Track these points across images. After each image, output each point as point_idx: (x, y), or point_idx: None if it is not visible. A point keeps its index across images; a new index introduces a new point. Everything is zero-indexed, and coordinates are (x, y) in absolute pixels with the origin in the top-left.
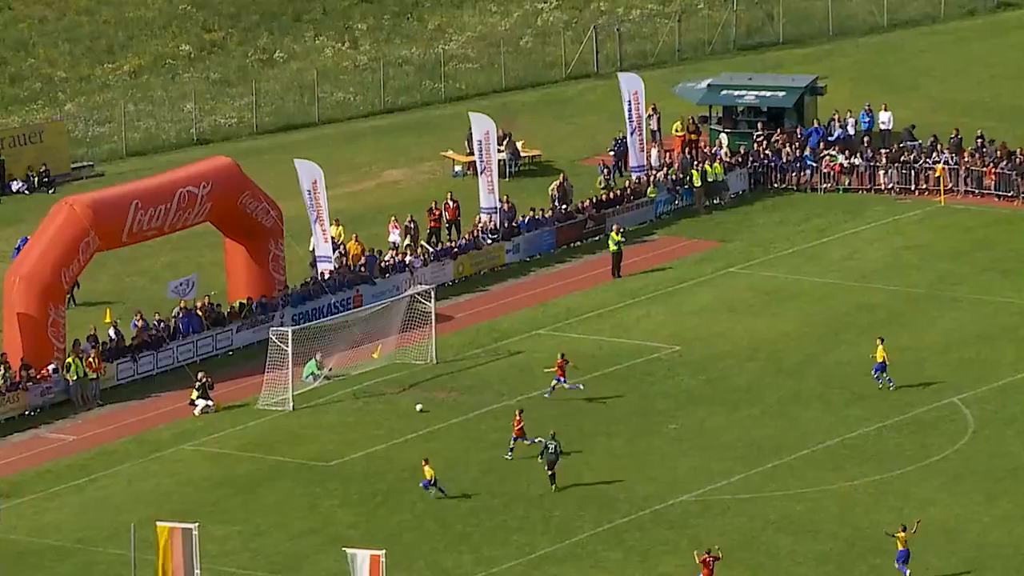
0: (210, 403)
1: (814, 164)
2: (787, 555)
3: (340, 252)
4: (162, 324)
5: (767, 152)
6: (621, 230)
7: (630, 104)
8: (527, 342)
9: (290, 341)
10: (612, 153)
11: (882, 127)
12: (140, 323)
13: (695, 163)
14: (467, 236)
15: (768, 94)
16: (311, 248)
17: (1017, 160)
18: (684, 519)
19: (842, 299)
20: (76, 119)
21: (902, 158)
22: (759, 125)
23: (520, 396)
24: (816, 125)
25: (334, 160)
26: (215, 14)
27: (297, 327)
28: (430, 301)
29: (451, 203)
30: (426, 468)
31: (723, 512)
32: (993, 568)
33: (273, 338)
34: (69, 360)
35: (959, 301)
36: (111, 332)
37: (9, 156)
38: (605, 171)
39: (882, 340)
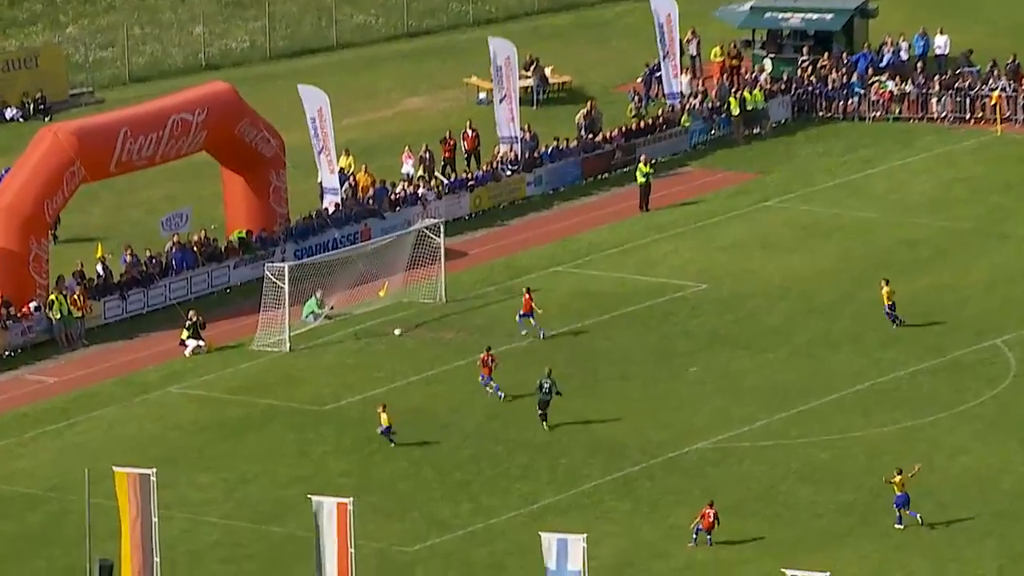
0: (201, 343)
1: (862, 91)
2: (807, 506)
3: (349, 184)
4: (153, 260)
5: (812, 79)
6: (651, 161)
7: (662, 28)
8: (544, 279)
9: (287, 277)
10: (641, 81)
11: (937, 52)
12: (130, 259)
13: (734, 90)
14: (486, 167)
15: (815, 16)
16: (319, 180)
17: None
18: (699, 468)
19: (883, 235)
20: (77, 42)
21: (956, 85)
22: (804, 50)
23: (532, 339)
24: (866, 50)
25: (351, 87)
26: None
27: (295, 263)
28: (439, 236)
29: (470, 132)
30: (382, 415)
31: (741, 460)
32: None
33: (269, 274)
34: (52, 297)
35: (1008, 237)
36: (99, 268)
37: (3, 81)
38: (636, 99)
39: (887, 281)
